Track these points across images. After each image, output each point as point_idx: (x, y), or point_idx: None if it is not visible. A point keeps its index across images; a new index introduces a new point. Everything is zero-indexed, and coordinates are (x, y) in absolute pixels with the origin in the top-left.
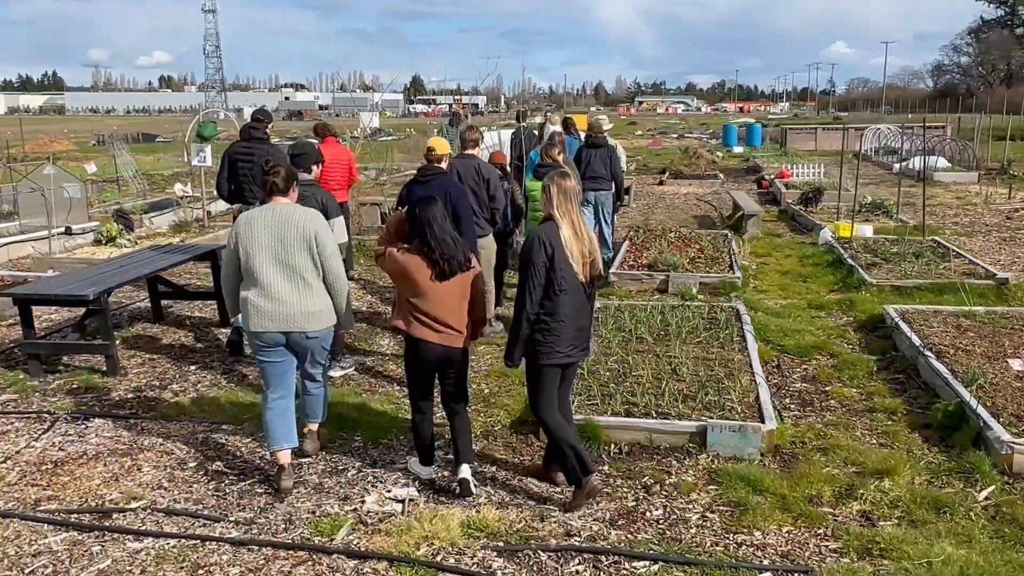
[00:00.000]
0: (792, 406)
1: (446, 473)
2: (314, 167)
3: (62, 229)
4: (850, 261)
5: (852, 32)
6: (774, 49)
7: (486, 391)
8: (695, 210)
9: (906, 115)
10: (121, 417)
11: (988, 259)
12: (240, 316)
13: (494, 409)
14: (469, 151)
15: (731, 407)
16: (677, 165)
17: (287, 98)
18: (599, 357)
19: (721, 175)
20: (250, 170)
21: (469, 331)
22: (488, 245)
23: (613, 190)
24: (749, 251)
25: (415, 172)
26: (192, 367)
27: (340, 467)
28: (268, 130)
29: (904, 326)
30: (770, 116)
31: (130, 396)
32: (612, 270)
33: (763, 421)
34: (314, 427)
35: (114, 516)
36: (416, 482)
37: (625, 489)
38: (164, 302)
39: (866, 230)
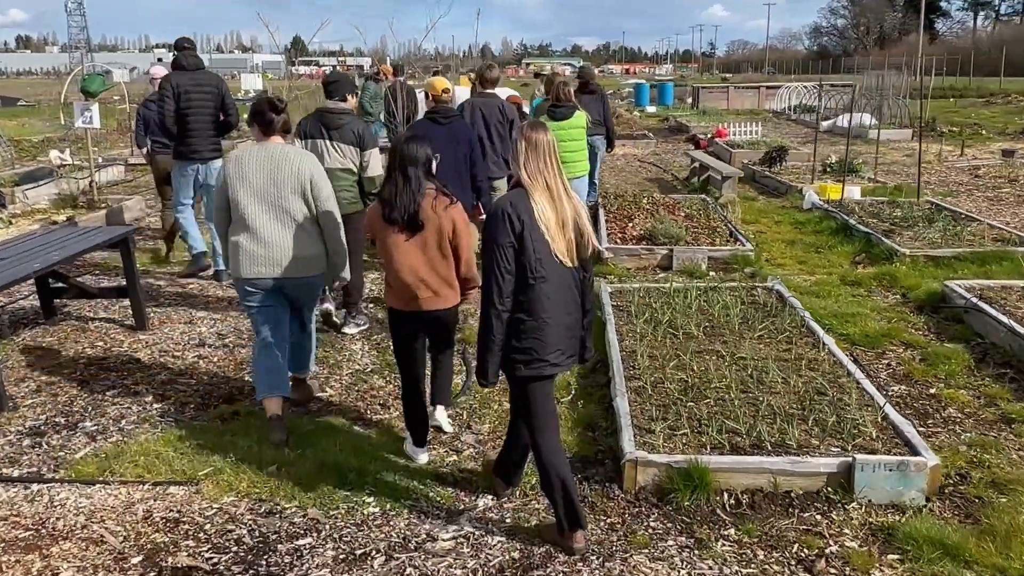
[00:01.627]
0: (909, 419)
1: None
2: (349, 96)
3: None
4: (863, 228)
5: None
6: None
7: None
8: (643, 172)
9: (788, 76)
10: (15, 481)
11: (999, 221)
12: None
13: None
14: (491, 90)
15: (862, 430)
16: None
17: (160, 59)
18: (657, 364)
19: (651, 135)
20: (201, 107)
21: (457, 290)
22: (504, 187)
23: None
24: (739, 217)
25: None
26: (110, 393)
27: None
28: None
29: (988, 308)
30: (656, 77)
31: (26, 444)
32: (604, 245)
33: (915, 451)
34: (304, 377)
35: None
36: None
37: (775, 567)
38: (58, 299)
39: (854, 192)
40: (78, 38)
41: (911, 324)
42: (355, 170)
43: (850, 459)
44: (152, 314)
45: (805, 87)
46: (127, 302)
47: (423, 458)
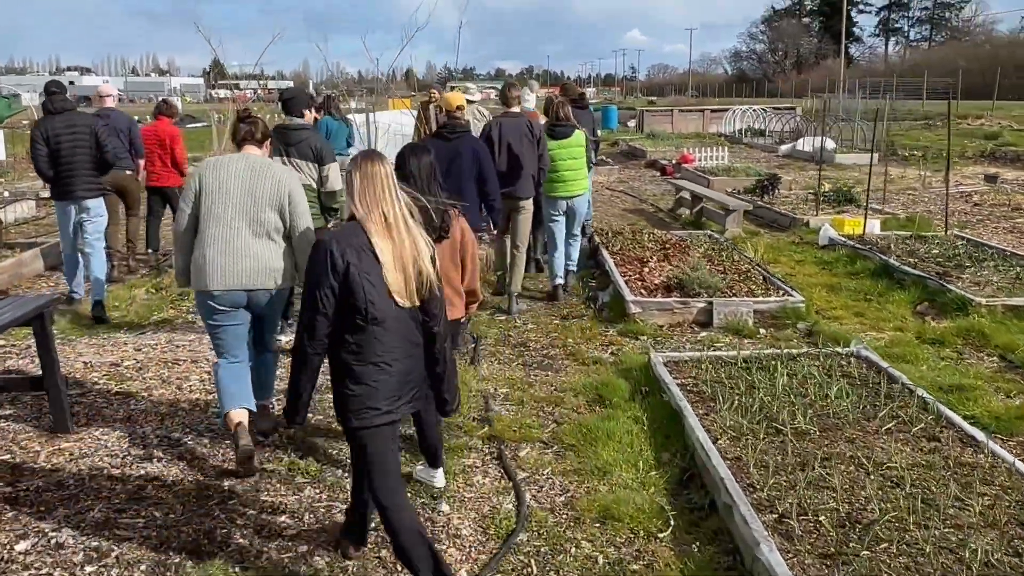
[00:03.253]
0: None
1: None
2: (306, 112)
3: None
4: (912, 271)
5: (645, 21)
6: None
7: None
8: (618, 202)
9: (711, 99)
10: None
11: None
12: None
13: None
14: (516, 108)
15: None
16: None
17: (72, 83)
18: (783, 481)
19: (610, 160)
20: (73, 148)
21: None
22: (530, 207)
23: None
24: (762, 258)
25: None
26: (18, 549)
27: None
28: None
29: None
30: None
31: None
32: (629, 297)
33: None
34: (267, 403)
35: None
36: None
37: None
38: None
39: (874, 226)
40: None
41: None
42: (314, 186)
43: None
44: (76, 405)
45: (754, 110)
46: (44, 395)
47: (440, 479)
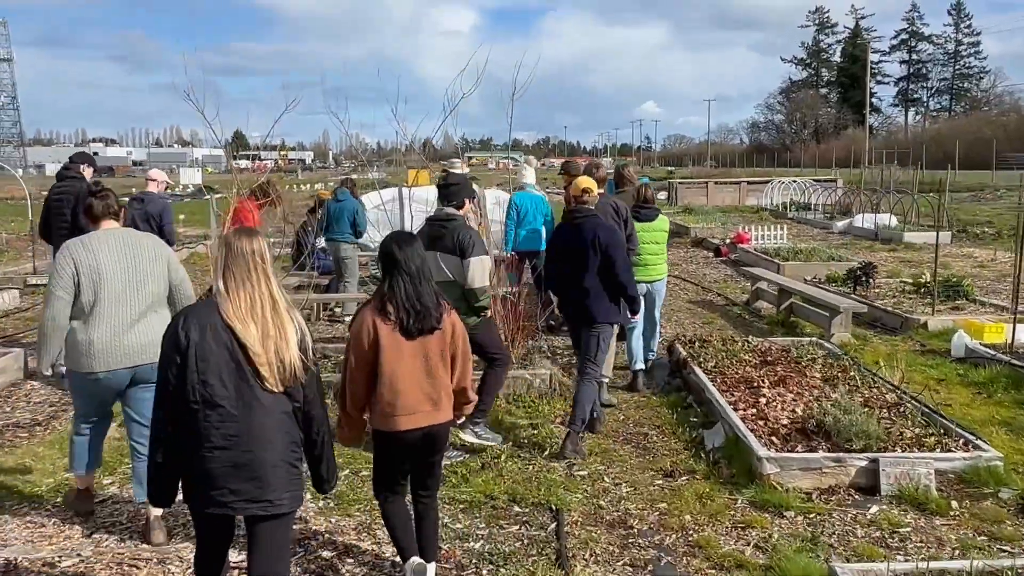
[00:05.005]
0: None
1: None
2: (467, 201)
3: None
4: None
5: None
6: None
7: None
8: (682, 292)
9: (731, 168)
10: None
11: None
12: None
13: None
14: (603, 189)
15: None
16: None
17: (96, 153)
18: None
19: None
20: (60, 209)
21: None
22: None
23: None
24: (900, 380)
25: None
26: None
27: None
28: (84, 170)
29: None
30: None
31: None
32: (760, 452)
33: None
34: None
35: None
36: None
37: None
38: None
39: (1021, 333)
40: (11, 132)
41: None
42: (453, 278)
43: None
44: None
45: (795, 182)
46: None
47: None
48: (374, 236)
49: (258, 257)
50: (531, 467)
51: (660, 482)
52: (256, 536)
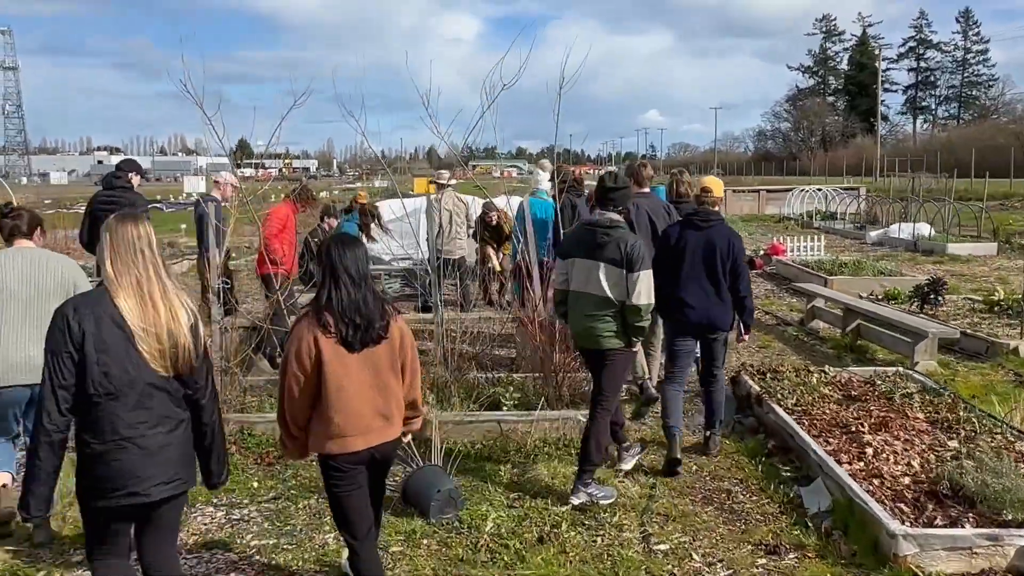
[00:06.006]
0: None
1: None
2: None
3: None
4: None
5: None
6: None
7: None
8: None
9: (738, 177)
10: None
11: None
12: None
13: None
14: (648, 188)
15: None
16: None
17: (100, 162)
18: None
19: None
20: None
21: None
22: None
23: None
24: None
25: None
26: None
27: None
28: (133, 179)
29: None
30: None
31: None
32: (891, 526)
33: None
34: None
35: None
36: None
37: None
38: None
39: None
40: (15, 140)
41: None
42: (609, 296)
43: None
44: None
45: (817, 190)
46: None
47: None
48: (394, 248)
49: (143, 242)
50: (599, 539)
51: (763, 561)
52: (153, 520)
